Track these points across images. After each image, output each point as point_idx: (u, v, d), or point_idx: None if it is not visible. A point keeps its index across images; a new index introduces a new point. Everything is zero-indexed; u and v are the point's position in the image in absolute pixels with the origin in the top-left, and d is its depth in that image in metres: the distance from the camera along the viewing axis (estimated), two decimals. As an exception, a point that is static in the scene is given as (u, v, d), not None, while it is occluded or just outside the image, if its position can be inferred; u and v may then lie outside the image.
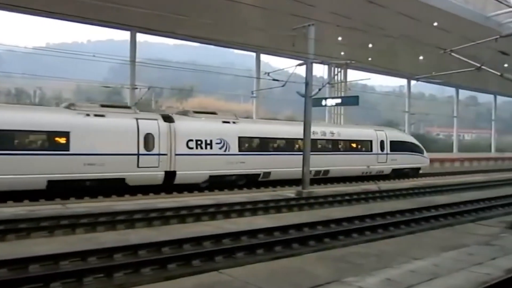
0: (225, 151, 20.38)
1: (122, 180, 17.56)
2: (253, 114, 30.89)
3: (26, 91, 28.17)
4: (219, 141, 20.25)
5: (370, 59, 30.19)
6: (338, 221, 12.43)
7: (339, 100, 23.41)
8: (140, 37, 25.75)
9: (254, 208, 14.47)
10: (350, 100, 22.39)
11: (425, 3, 24.32)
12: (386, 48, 26.91)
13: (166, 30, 17.97)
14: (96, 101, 20.25)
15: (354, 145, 26.30)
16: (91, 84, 25.95)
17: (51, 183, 16.15)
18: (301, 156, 19.31)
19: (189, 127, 19.75)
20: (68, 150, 16.43)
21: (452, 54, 14.72)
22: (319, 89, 19.85)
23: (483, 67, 14.04)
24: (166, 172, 18.66)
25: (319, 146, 24.00)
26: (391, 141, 27.63)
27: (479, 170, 34.76)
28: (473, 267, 7.89)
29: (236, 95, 32.94)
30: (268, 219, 12.80)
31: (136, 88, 23.07)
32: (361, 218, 13.04)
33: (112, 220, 11.67)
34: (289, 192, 18.85)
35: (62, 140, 16.48)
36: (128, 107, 19.92)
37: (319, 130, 23.97)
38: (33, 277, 7.11)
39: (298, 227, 11.52)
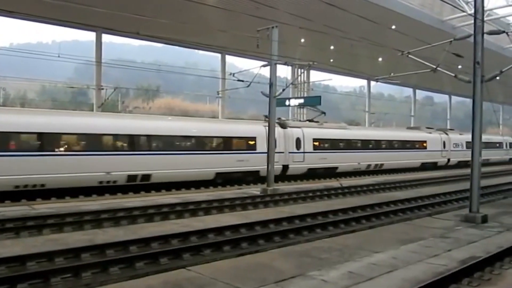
0: (462, 148, 37.57)
1: (435, 164, 35.50)
2: (219, 114, 30.94)
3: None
4: (459, 144, 37.87)
5: (331, 60, 30.89)
6: (302, 217, 12.77)
7: (302, 100, 23.87)
8: (105, 37, 25.43)
9: (220, 206, 14.64)
10: (313, 100, 22.86)
11: (384, 7, 25.13)
12: (347, 50, 27.56)
13: (131, 30, 17.79)
14: (61, 101, 20.39)
15: (498, 145, 44.57)
16: (56, 85, 25.39)
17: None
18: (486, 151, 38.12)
19: (453, 137, 37.50)
20: (426, 149, 34.57)
21: (410, 56, 15.19)
22: (283, 90, 20.21)
23: (438, 68, 14.47)
24: (448, 159, 36.67)
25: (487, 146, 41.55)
26: (509, 143, 47.21)
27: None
28: (430, 259, 8.32)
29: (202, 95, 32.89)
30: (234, 217, 12.97)
31: (102, 89, 22.80)
32: (324, 214, 13.41)
33: (79, 220, 11.58)
34: (255, 190, 19.08)
35: (425, 145, 34.59)
36: (432, 128, 37.91)
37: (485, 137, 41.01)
38: (-1, 278, 7.02)
39: (264, 223, 11.76)
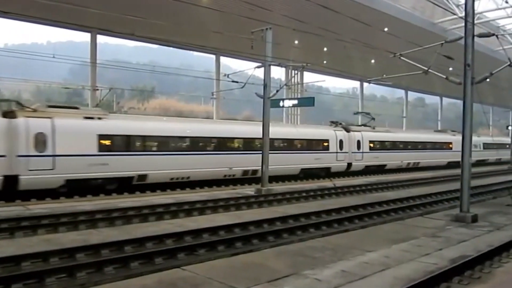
0: (479, 149, 42.10)
1: (458, 162, 38.68)
2: (213, 114, 30.99)
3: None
4: (477, 145, 40.99)
5: (325, 62, 31.05)
6: (295, 217, 12.86)
7: (295, 101, 23.90)
8: (100, 38, 25.46)
9: (214, 206, 14.69)
10: (306, 101, 22.91)
11: (376, 10, 25.38)
12: (340, 52, 27.78)
13: (126, 31, 17.89)
14: (56, 102, 20.66)
15: (507, 146, 46.76)
16: (51, 85, 25.39)
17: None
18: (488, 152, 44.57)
19: (473, 139, 38.35)
20: (452, 149, 37.81)
21: (402, 58, 15.35)
22: (277, 91, 20.27)
23: (430, 70, 14.61)
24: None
25: None
26: None
27: (428, 166, 36.57)
28: (421, 257, 8.43)
29: (196, 96, 32.93)
30: (228, 217, 13.04)
31: (97, 89, 22.83)
32: (318, 213, 13.52)
33: (74, 221, 11.59)
34: (249, 190, 19.13)
35: (451, 146, 38.56)
36: (455, 131, 38.40)
37: (497, 138, 46.62)
38: (-6, 278, 7.03)
39: (258, 223, 11.84)
